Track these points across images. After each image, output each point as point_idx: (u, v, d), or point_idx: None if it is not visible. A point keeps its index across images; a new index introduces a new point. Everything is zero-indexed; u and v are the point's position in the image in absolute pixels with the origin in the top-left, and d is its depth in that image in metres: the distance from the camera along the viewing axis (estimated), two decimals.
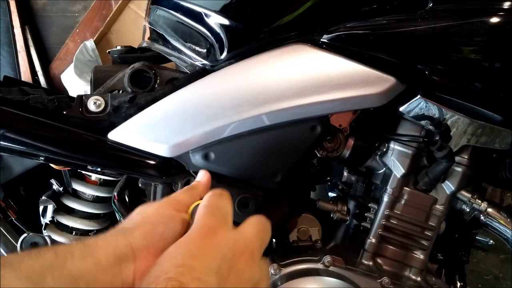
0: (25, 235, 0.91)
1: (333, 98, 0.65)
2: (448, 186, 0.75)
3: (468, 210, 0.78)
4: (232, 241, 0.41)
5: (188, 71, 0.74)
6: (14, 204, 0.97)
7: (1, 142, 0.62)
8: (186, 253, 0.38)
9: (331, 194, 1.07)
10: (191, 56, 0.72)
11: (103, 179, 0.94)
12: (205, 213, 0.44)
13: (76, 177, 0.94)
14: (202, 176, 0.57)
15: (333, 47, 0.65)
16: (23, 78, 1.68)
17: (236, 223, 0.69)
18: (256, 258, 0.42)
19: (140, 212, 0.50)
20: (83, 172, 0.92)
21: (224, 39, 0.66)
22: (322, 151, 0.75)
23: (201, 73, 0.71)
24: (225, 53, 0.67)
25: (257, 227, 0.46)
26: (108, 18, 1.72)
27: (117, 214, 0.90)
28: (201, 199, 0.49)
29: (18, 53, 1.70)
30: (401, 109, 0.69)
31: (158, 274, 0.36)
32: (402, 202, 0.75)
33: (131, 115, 0.68)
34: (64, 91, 1.61)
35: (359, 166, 0.81)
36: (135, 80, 0.72)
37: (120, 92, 0.72)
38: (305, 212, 0.84)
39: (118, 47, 0.84)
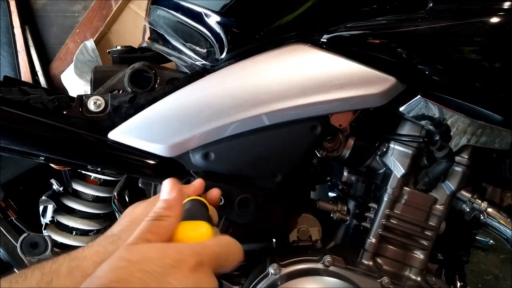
0: (25, 235, 0.90)
1: (333, 98, 0.65)
2: (448, 186, 0.75)
3: (468, 210, 0.78)
4: (213, 285, 0.38)
5: (188, 71, 0.74)
6: (14, 204, 0.97)
7: (1, 142, 0.62)
8: (154, 272, 0.35)
9: (331, 194, 1.07)
10: (191, 56, 0.72)
11: (103, 179, 0.94)
12: (211, 245, 0.41)
13: (76, 177, 0.94)
14: (195, 181, 0.57)
15: (333, 47, 0.66)
16: (23, 78, 1.68)
17: (236, 223, 0.69)
18: (190, 272, 0.38)
19: (128, 214, 0.50)
20: (83, 172, 0.92)
21: (224, 39, 0.66)
22: (322, 151, 0.75)
23: (201, 73, 0.71)
24: (225, 53, 0.67)
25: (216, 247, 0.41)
26: (108, 18, 1.72)
27: (117, 214, 0.91)
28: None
29: (18, 53, 1.71)
30: (401, 109, 0.69)
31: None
32: (402, 202, 0.75)
33: (131, 115, 0.68)
34: (64, 91, 1.61)
35: (359, 166, 0.81)
36: (135, 80, 0.72)
37: (120, 92, 0.72)
38: (305, 212, 0.84)
39: (118, 47, 0.84)
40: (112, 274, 0.34)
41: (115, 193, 0.88)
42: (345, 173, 0.90)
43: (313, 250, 0.79)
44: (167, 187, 0.48)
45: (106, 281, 0.34)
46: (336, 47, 0.65)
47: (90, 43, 1.66)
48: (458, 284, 0.90)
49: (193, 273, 0.37)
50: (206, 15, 0.67)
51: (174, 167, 0.69)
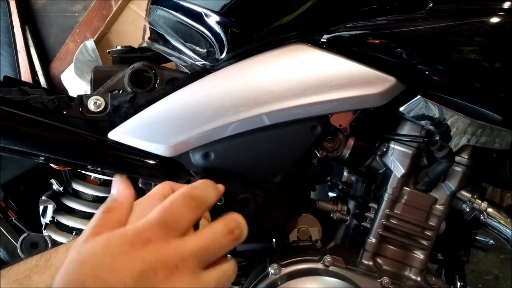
0: (25, 235, 0.91)
1: (333, 98, 0.65)
2: (448, 186, 0.75)
3: (468, 210, 0.78)
4: (163, 258, 0.37)
5: (188, 71, 0.74)
6: (14, 204, 0.97)
7: (1, 142, 0.62)
8: (103, 264, 0.35)
9: (331, 194, 1.07)
10: (191, 56, 0.72)
11: (103, 179, 0.94)
12: (151, 220, 0.40)
13: (76, 177, 0.94)
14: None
15: (333, 47, 0.66)
16: (23, 78, 1.68)
17: None
18: (186, 275, 0.38)
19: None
20: (83, 172, 0.92)
21: (224, 39, 0.67)
22: (322, 151, 0.75)
23: (201, 73, 0.71)
24: (225, 53, 0.67)
25: (206, 240, 0.41)
26: (108, 18, 1.72)
27: None
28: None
29: (18, 53, 1.71)
30: (401, 109, 0.69)
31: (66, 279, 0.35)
32: (402, 202, 0.75)
33: (131, 115, 0.68)
34: (64, 91, 1.61)
35: (359, 166, 0.81)
36: (135, 80, 0.72)
37: (120, 92, 0.72)
38: (305, 212, 0.84)
39: (118, 47, 0.84)
40: (67, 279, 0.35)
41: None
42: (345, 173, 0.90)
43: (313, 250, 0.79)
44: (115, 183, 0.49)
45: None
46: (336, 47, 0.65)
47: (90, 43, 1.66)
48: (458, 284, 0.91)
49: (141, 252, 0.36)
50: (206, 15, 0.67)
51: (174, 167, 0.69)
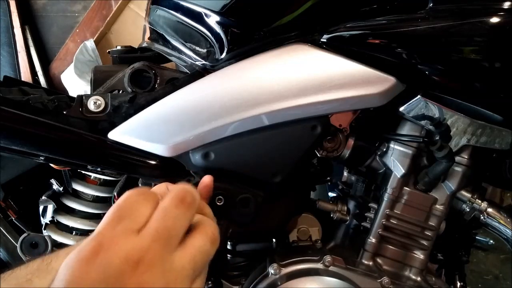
0: (25, 235, 0.91)
1: (333, 98, 0.65)
2: (448, 186, 0.75)
3: (468, 210, 0.78)
4: (124, 255, 0.35)
5: (188, 71, 0.74)
6: (14, 204, 0.97)
7: (1, 142, 0.62)
8: (70, 277, 0.33)
9: (331, 194, 1.07)
10: (191, 56, 0.72)
11: (103, 179, 0.94)
12: (106, 220, 0.38)
13: (76, 177, 0.94)
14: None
15: (333, 47, 0.66)
16: (23, 78, 1.68)
17: (238, 223, 0.69)
18: (155, 265, 0.35)
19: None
20: (83, 172, 0.92)
21: (224, 39, 0.67)
22: (322, 151, 0.75)
23: (201, 73, 0.71)
24: (225, 53, 0.67)
25: (158, 220, 0.38)
26: (108, 18, 1.72)
27: None
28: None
29: (18, 53, 1.71)
30: (401, 109, 0.69)
31: None
32: (402, 202, 0.75)
33: (131, 115, 0.68)
34: (64, 91, 1.61)
35: (359, 166, 0.81)
36: (135, 80, 0.72)
37: (120, 92, 0.72)
38: (305, 212, 0.84)
39: (118, 47, 0.84)
40: None
41: (115, 193, 0.88)
42: (345, 173, 0.90)
43: (313, 250, 0.79)
44: None
45: None
46: (336, 47, 0.65)
47: (90, 43, 1.66)
48: (458, 284, 0.91)
49: (103, 257, 0.35)
50: (206, 15, 0.67)
51: (174, 167, 0.69)
